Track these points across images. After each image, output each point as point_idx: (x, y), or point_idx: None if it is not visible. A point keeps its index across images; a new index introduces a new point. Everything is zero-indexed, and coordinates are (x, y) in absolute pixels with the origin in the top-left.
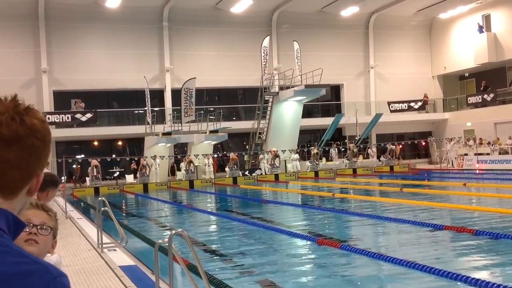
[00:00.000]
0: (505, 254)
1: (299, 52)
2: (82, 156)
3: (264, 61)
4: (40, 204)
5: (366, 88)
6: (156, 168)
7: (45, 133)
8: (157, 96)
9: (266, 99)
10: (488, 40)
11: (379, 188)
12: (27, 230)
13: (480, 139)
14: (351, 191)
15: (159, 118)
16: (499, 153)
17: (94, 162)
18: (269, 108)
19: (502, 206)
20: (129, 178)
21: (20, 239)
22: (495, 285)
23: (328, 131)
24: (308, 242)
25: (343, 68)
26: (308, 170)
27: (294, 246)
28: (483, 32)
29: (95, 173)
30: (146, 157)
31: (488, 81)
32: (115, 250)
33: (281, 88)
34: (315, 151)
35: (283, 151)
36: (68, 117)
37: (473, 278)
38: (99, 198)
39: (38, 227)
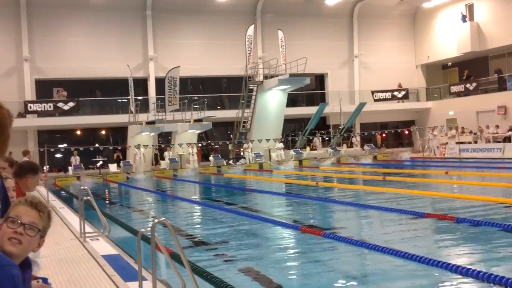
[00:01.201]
0: (485, 241)
1: (283, 41)
2: (65, 145)
3: (249, 50)
4: (35, 202)
5: (350, 77)
6: (140, 158)
7: (0, 118)
8: (141, 85)
9: (250, 88)
10: (471, 29)
11: (362, 176)
12: (13, 227)
13: (462, 128)
14: (335, 180)
15: (143, 107)
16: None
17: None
18: (253, 97)
19: (483, 194)
20: (112, 167)
21: (4, 235)
22: (475, 272)
23: (312, 120)
24: (292, 230)
25: (327, 57)
26: (292, 159)
27: (278, 234)
28: (466, 21)
29: (77, 162)
30: (130, 146)
31: (470, 71)
32: (97, 239)
33: (265, 77)
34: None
35: (267, 140)
36: (50, 106)
37: (454, 265)
38: (82, 187)
39: (26, 226)
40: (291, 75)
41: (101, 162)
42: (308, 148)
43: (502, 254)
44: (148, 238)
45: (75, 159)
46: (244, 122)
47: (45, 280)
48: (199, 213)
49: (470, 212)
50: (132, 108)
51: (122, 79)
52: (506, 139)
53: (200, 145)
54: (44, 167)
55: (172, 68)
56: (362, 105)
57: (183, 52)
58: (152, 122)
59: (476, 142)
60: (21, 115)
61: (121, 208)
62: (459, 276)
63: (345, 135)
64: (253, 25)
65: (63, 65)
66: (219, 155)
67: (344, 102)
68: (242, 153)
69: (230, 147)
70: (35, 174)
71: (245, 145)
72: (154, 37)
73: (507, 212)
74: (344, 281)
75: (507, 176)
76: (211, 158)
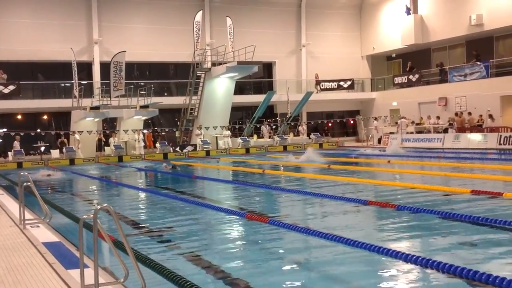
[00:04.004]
0: (424, 227)
1: (232, 28)
2: (4, 130)
3: (197, 36)
4: None
5: (298, 66)
6: (74, 144)
7: None
8: (85, 69)
9: (198, 75)
10: (415, 22)
11: (308, 165)
12: None
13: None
14: (281, 168)
15: (87, 91)
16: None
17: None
18: (201, 84)
19: (423, 182)
20: (55, 153)
21: None
22: (414, 257)
23: (259, 108)
24: (237, 217)
25: (275, 46)
26: (239, 147)
27: (223, 222)
28: (410, 14)
29: (18, 148)
30: (73, 132)
31: (413, 62)
32: (38, 226)
33: (213, 64)
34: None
35: (215, 127)
36: None
37: (394, 251)
38: (22, 173)
39: None
40: (239, 62)
41: (43, 148)
42: (255, 136)
43: (440, 240)
44: (90, 226)
45: (18, 144)
46: (192, 109)
47: None
48: (144, 200)
49: (410, 200)
50: (76, 93)
51: (66, 63)
52: (446, 130)
53: (149, 131)
54: None
55: (118, 53)
56: (309, 94)
57: (130, 37)
58: (97, 108)
59: (447, 132)
60: None
61: (64, 194)
62: (399, 262)
63: (292, 123)
64: (201, 11)
65: (3, 47)
66: (166, 142)
67: (292, 91)
68: (187, 140)
69: (177, 134)
70: None
71: (198, 131)
72: (99, 20)
73: (445, 200)
74: (289, 267)
75: (446, 166)
76: (157, 145)
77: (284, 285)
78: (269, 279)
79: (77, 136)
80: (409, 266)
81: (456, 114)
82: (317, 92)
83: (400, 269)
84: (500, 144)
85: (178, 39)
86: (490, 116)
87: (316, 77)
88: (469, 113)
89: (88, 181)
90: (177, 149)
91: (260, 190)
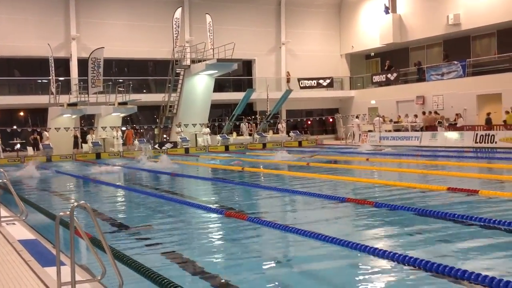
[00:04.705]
0: (401, 224)
1: (211, 25)
2: None
3: (176, 33)
4: None
5: (277, 64)
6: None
7: None
8: (62, 65)
9: (177, 72)
10: (393, 21)
11: (287, 162)
12: None
13: (383, 116)
14: (261, 165)
15: (64, 88)
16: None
17: None
18: (180, 81)
19: (400, 179)
20: (31, 150)
21: None
22: (391, 253)
23: (239, 106)
24: (217, 215)
25: (255, 44)
26: (218, 144)
27: (202, 219)
28: (389, 13)
29: None
30: (50, 128)
31: (392, 61)
32: (14, 223)
33: (192, 61)
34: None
35: (194, 124)
36: None
37: (371, 247)
38: None
39: None
40: (219, 60)
41: (18, 145)
42: (234, 134)
43: (416, 237)
44: (67, 223)
45: None
46: (171, 107)
47: None
48: (122, 198)
49: (388, 197)
50: (53, 89)
51: (43, 59)
52: (423, 128)
53: (129, 128)
54: None
55: (96, 49)
56: (288, 92)
57: (108, 33)
58: (74, 104)
59: (435, 129)
60: None
61: (41, 192)
62: (376, 258)
63: (272, 121)
64: (181, 7)
65: None
66: (144, 139)
67: (271, 89)
68: (166, 138)
69: (156, 131)
70: None
71: (177, 129)
72: (77, 16)
73: (422, 197)
74: (268, 264)
75: (423, 163)
76: (136, 142)
77: (263, 282)
78: (248, 276)
79: (46, 133)
80: (386, 262)
81: (424, 113)
82: (291, 90)
83: (378, 266)
84: (476, 142)
85: (157, 35)
86: (460, 115)
87: (287, 75)
88: (436, 112)
89: (65, 178)
90: (156, 146)
91: (239, 187)
